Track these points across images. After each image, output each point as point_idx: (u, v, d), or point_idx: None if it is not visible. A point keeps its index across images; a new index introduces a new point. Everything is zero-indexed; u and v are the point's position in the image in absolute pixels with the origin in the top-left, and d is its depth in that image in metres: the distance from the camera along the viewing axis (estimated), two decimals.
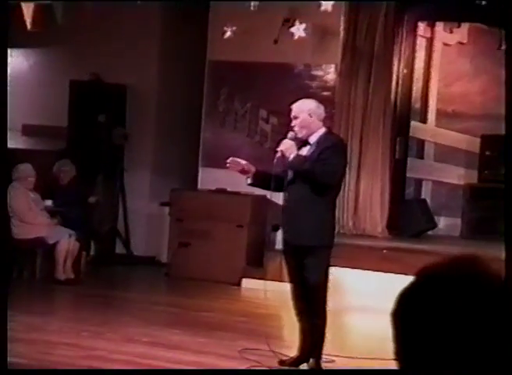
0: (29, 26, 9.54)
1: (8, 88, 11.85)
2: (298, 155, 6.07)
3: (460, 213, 11.68)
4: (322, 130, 6.21)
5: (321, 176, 5.98)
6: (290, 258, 6.25)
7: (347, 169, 10.30)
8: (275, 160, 6.17)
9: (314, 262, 6.05)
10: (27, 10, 9.57)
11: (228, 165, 6.33)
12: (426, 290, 1.37)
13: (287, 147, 6.10)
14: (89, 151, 11.01)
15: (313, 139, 6.14)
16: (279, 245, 7.67)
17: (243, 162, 6.30)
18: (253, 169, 6.28)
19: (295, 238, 6.15)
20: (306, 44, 10.43)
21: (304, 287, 6.14)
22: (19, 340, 6.70)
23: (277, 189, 6.26)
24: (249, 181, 6.32)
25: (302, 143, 6.18)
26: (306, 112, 6.16)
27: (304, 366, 6.21)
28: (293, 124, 6.18)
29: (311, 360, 6.16)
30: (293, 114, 6.20)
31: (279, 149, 6.14)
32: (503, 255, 9.02)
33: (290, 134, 6.17)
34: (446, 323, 1.32)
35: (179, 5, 11.21)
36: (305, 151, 6.13)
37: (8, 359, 6.06)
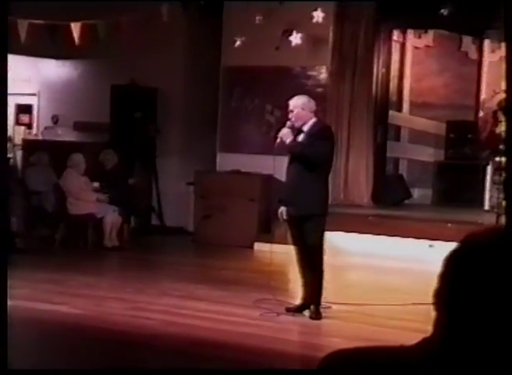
0: (77, 41, 9.52)
1: (62, 93, 11.92)
2: (293, 141, 6.13)
3: (431, 185, 11.66)
4: (313, 120, 6.24)
5: (311, 157, 6.04)
6: (292, 226, 6.27)
7: (339, 151, 10.39)
8: (275, 145, 6.22)
9: (310, 227, 6.08)
10: (75, 28, 9.54)
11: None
12: (469, 255, 1.27)
13: (284, 134, 6.16)
14: (128, 142, 11.00)
15: (306, 128, 6.20)
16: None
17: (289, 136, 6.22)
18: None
19: (295, 210, 6.18)
20: (302, 50, 10.39)
21: (304, 248, 6.17)
22: (78, 295, 6.75)
23: None
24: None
25: (298, 131, 6.23)
26: (300, 106, 6.20)
27: (306, 312, 6.24)
28: (290, 116, 6.24)
29: (312, 306, 6.19)
30: (289, 108, 6.26)
31: (278, 136, 6.20)
32: (466, 218, 9.02)
33: (288, 124, 6.23)
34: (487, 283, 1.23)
35: (197, 19, 11.16)
36: (300, 137, 6.19)
37: (70, 311, 6.13)
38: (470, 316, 1.21)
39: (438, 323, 1.25)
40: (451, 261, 1.27)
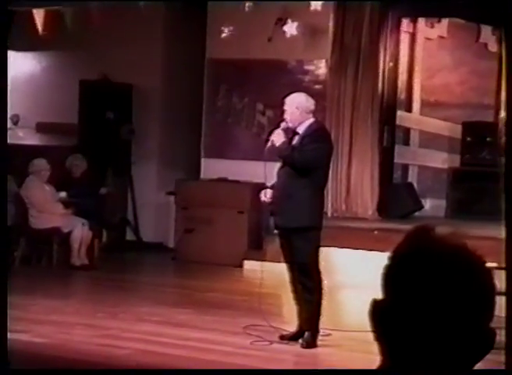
0: (40, 31, 9.53)
1: (23, 89, 11.92)
2: (283, 143, 6.19)
3: (445, 195, 11.70)
4: (310, 121, 6.29)
5: (299, 161, 6.11)
6: (283, 240, 6.31)
7: (340, 156, 10.44)
8: (266, 148, 6.27)
9: (300, 243, 6.11)
10: (38, 16, 9.56)
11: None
12: (394, 266, 1.37)
13: (276, 136, 6.21)
14: (99, 146, 11.01)
15: (301, 129, 6.27)
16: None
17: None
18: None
19: (281, 221, 6.22)
20: (298, 41, 10.43)
21: (296, 267, 6.20)
22: (41, 321, 6.75)
23: None
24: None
25: (293, 133, 6.28)
26: (294, 105, 6.27)
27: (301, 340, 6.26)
28: (285, 116, 6.30)
29: (306, 333, 6.21)
30: (284, 107, 6.32)
31: (270, 138, 6.25)
32: (484, 232, 9.06)
33: (283, 124, 6.31)
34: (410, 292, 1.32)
35: (179, 7, 11.20)
36: (295, 140, 6.25)
37: (31, 339, 6.13)
38: (410, 342, 1.31)
39: (382, 352, 1.37)
40: (386, 281, 1.36)
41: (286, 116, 6.29)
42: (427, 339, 1.30)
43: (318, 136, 6.27)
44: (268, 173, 6.55)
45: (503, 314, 5.53)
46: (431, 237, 1.36)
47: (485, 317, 1.33)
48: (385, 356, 1.36)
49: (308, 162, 6.10)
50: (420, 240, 1.36)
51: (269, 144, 6.26)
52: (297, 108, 6.25)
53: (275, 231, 6.59)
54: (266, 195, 6.32)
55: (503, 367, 4.51)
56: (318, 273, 6.19)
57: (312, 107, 6.36)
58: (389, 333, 1.34)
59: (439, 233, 1.36)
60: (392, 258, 1.37)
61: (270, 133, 6.41)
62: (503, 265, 7.88)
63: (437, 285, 1.30)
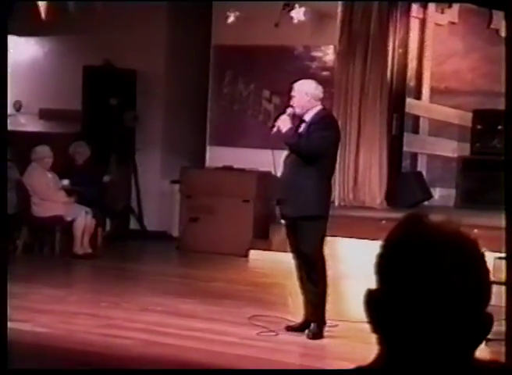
0: (43, 16, 9.51)
1: (25, 75, 11.91)
2: (290, 130, 6.16)
3: (454, 184, 11.67)
4: (317, 108, 6.27)
5: (305, 149, 6.08)
6: (289, 230, 6.30)
7: (348, 145, 10.42)
8: (271, 133, 6.25)
9: (306, 231, 6.10)
10: (41, 1, 9.54)
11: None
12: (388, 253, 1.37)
13: (282, 122, 6.18)
14: (102, 133, 11.01)
15: (308, 116, 6.24)
16: None
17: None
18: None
19: (288, 210, 6.21)
20: (305, 26, 10.40)
21: (301, 257, 6.20)
22: (42, 311, 6.76)
23: None
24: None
25: (300, 120, 6.26)
26: (303, 91, 6.24)
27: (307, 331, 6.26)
28: (291, 102, 6.27)
29: (312, 325, 6.21)
30: (292, 92, 6.29)
31: (276, 124, 6.23)
32: (494, 222, 9.05)
33: (289, 110, 6.28)
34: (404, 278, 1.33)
35: None
36: (302, 127, 6.22)
37: (32, 329, 6.14)
38: (406, 331, 1.32)
39: (379, 341, 1.37)
40: (379, 267, 1.36)
41: (294, 102, 6.25)
42: (423, 327, 1.31)
43: (326, 124, 6.25)
44: (275, 161, 6.55)
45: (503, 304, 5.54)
46: (423, 224, 1.36)
47: (481, 302, 1.33)
48: (383, 346, 1.37)
49: (315, 150, 6.08)
50: (412, 227, 1.36)
51: (275, 129, 6.24)
52: (307, 94, 6.22)
53: (282, 221, 6.58)
54: (283, 123, 6.19)
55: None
56: (323, 263, 6.19)
57: (321, 95, 6.35)
58: (384, 323, 1.35)
59: (431, 221, 1.35)
60: (384, 247, 1.37)
61: (276, 118, 6.39)
62: None
63: (431, 272, 1.30)
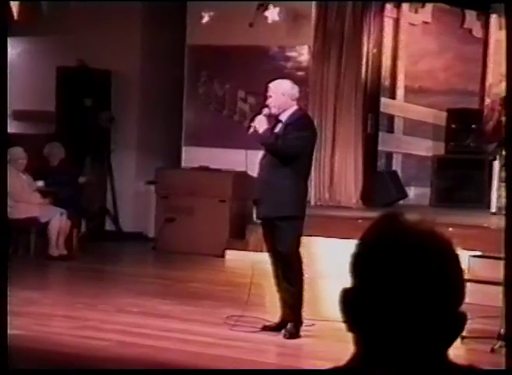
0: (16, 16, 9.47)
1: None
2: (267, 130, 6.17)
3: (429, 183, 11.74)
4: (293, 109, 6.28)
5: (282, 150, 6.09)
6: (265, 230, 6.31)
7: (323, 144, 10.44)
8: (248, 134, 6.25)
9: (282, 231, 6.12)
10: (14, 1, 9.49)
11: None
12: (363, 252, 1.38)
13: (258, 122, 6.18)
14: (77, 133, 10.97)
15: (284, 116, 6.25)
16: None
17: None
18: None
19: (264, 210, 6.23)
20: (280, 27, 10.42)
21: (278, 257, 6.21)
22: (17, 313, 6.71)
23: None
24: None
25: (276, 120, 6.26)
26: (279, 91, 6.24)
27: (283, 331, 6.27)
28: (267, 102, 6.27)
29: (289, 324, 6.22)
30: (268, 92, 6.29)
31: (252, 124, 6.23)
32: (469, 220, 9.11)
33: (265, 111, 6.27)
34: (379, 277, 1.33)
35: None
36: (278, 127, 6.23)
37: (8, 331, 6.09)
38: (381, 330, 1.33)
39: (355, 341, 1.38)
40: (354, 267, 1.37)
41: (270, 102, 6.25)
42: (397, 325, 1.32)
43: (302, 124, 6.26)
44: (249, 161, 6.55)
45: (500, 304, 5.59)
46: (398, 223, 1.36)
47: (455, 301, 1.34)
48: (358, 345, 1.37)
49: (292, 150, 6.09)
50: (387, 226, 1.37)
51: (251, 130, 6.23)
52: (283, 94, 6.23)
53: (257, 221, 6.59)
54: (260, 123, 6.19)
55: (503, 367, 4.54)
56: (300, 263, 6.20)
57: (297, 94, 6.37)
58: (359, 322, 1.35)
59: (406, 220, 1.36)
60: (359, 246, 1.38)
61: (252, 119, 6.39)
62: (488, 253, 7.92)
63: (405, 271, 1.31)
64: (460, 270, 1.35)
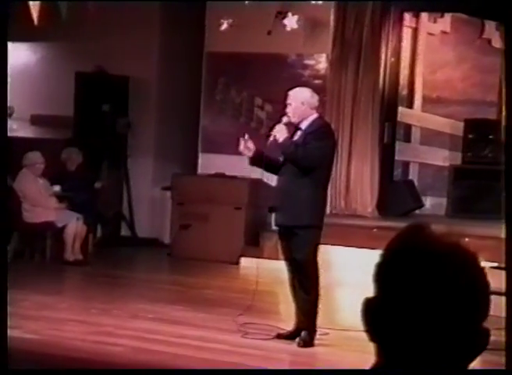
0: (36, 22, 9.51)
1: (17, 81, 11.88)
2: (287, 139, 6.15)
3: (445, 193, 11.70)
4: (313, 117, 6.27)
5: (302, 159, 6.08)
6: (282, 238, 6.30)
7: (340, 153, 10.42)
8: (267, 143, 6.24)
9: (300, 240, 6.11)
10: (34, 6, 9.54)
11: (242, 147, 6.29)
12: (388, 261, 1.36)
13: (278, 131, 6.17)
14: (94, 139, 11.00)
15: (304, 125, 6.23)
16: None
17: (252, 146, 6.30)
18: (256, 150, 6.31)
19: (282, 218, 6.22)
20: (298, 35, 10.42)
21: (294, 265, 6.19)
22: (32, 317, 6.73)
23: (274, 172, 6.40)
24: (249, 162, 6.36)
25: (295, 128, 6.26)
26: (299, 100, 6.23)
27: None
28: (287, 110, 6.25)
29: (303, 333, 6.20)
30: (288, 100, 6.28)
31: (272, 133, 6.21)
32: (485, 231, 9.06)
33: (285, 119, 6.26)
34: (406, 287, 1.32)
35: None
36: (297, 136, 6.21)
37: (22, 335, 6.11)
38: (403, 341, 1.31)
39: (376, 351, 1.37)
40: (378, 277, 1.36)
41: (289, 110, 6.23)
42: (420, 338, 1.30)
43: (322, 133, 6.23)
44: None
45: (503, 314, 5.55)
46: (424, 234, 1.35)
47: (479, 316, 1.33)
48: (379, 355, 1.36)
49: (313, 160, 6.07)
50: (413, 237, 1.36)
51: (271, 138, 6.21)
52: (303, 103, 6.21)
53: (274, 227, 6.58)
54: (246, 144, 6.23)
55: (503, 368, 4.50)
56: (316, 271, 6.19)
57: (317, 103, 6.35)
58: (381, 332, 1.34)
59: (432, 231, 1.35)
60: (384, 256, 1.36)
61: (272, 128, 6.36)
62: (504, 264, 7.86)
63: (429, 283, 1.30)
64: (486, 285, 1.34)
